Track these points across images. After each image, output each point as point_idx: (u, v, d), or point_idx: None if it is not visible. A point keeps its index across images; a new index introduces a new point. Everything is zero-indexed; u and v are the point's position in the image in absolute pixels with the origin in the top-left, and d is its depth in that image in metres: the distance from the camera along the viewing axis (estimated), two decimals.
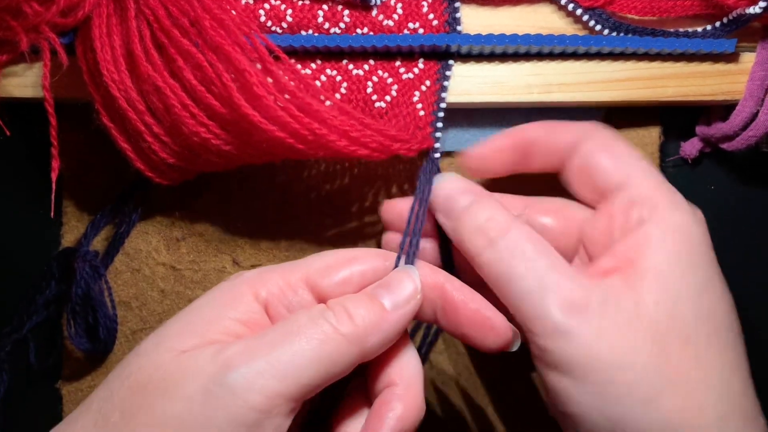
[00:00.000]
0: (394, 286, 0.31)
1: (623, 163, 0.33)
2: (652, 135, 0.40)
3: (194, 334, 0.29)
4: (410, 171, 0.40)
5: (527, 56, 0.38)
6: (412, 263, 0.33)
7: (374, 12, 0.37)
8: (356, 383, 0.32)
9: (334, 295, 0.31)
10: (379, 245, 0.40)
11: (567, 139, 0.34)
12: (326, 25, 0.37)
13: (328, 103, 0.34)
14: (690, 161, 0.41)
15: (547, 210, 0.35)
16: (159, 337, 0.29)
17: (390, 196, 0.40)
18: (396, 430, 0.29)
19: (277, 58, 0.34)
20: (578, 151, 0.34)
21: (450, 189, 0.34)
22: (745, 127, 0.37)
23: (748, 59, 0.37)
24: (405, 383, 0.30)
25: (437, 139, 0.36)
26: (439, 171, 0.36)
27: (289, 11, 0.37)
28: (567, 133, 0.34)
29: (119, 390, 0.28)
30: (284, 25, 0.37)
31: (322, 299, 0.31)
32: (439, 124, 0.37)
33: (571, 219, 0.34)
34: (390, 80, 0.37)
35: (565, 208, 0.35)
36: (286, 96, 0.33)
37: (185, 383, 0.27)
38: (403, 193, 0.40)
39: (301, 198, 0.40)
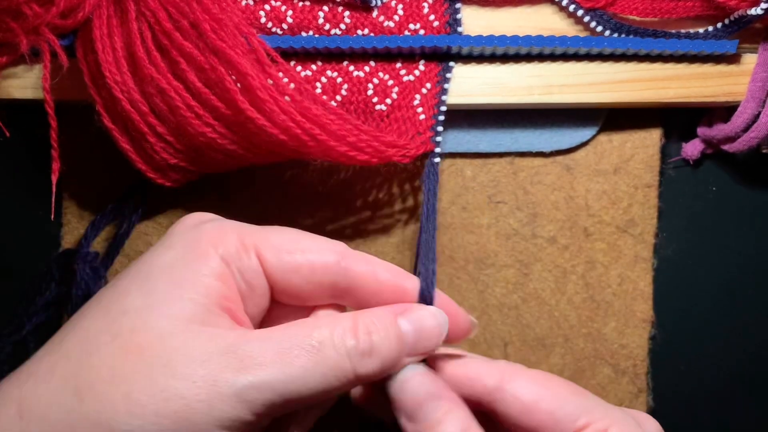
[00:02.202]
0: (425, 338, 0.30)
1: (567, 400, 0.31)
2: (654, 136, 0.40)
3: (182, 297, 0.28)
4: (411, 169, 0.40)
5: (528, 57, 0.38)
6: (431, 287, 0.32)
7: (375, 13, 0.37)
8: None
9: (278, 276, 0.30)
10: (380, 242, 0.40)
11: (489, 383, 0.31)
12: (327, 27, 0.37)
13: (324, 106, 0.34)
14: (691, 162, 0.40)
15: (530, 378, 0.32)
16: (145, 297, 0.28)
17: (391, 194, 0.40)
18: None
19: (274, 61, 0.34)
20: (507, 393, 0.31)
21: (416, 390, 0.30)
22: (746, 129, 0.37)
23: (750, 60, 0.37)
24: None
25: (437, 144, 0.36)
26: (437, 176, 0.36)
27: (290, 12, 0.37)
28: (488, 376, 0.31)
29: (106, 346, 0.27)
30: (285, 26, 0.37)
31: (267, 275, 0.30)
32: (440, 128, 0.37)
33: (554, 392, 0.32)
34: (391, 82, 0.37)
35: (548, 380, 0.32)
36: (287, 98, 0.33)
37: (192, 366, 0.27)
38: (402, 191, 0.40)
39: (302, 196, 0.40)
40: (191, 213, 0.32)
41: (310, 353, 0.27)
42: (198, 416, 0.26)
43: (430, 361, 0.32)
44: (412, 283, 0.32)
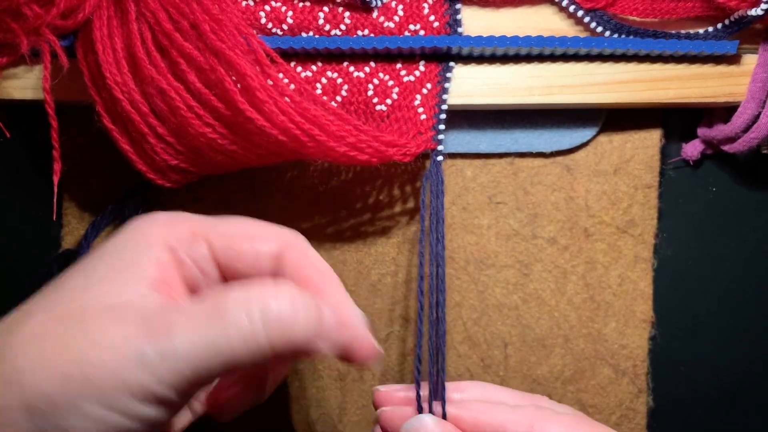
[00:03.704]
0: (345, 327, 0.29)
1: None
2: (654, 137, 0.40)
3: (114, 279, 0.28)
4: (411, 170, 0.40)
5: (528, 58, 0.38)
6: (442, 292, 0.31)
7: (375, 14, 0.37)
8: None
9: (225, 262, 0.30)
10: (380, 242, 0.40)
11: (516, 431, 0.31)
12: (327, 27, 0.37)
13: (324, 107, 0.34)
14: (691, 163, 0.41)
15: (561, 424, 0.31)
16: (83, 278, 0.29)
17: (391, 195, 0.40)
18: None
19: (273, 61, 0.34)
20: None
21: None
22: (746, 129, 0.37)
23: (750, 61, 0.37)
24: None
25: (440, 142, 0.36)
26: (441, 176, 0.36)
27: (290, 13, 0.37)
28: (516, 424, 0.31)
29: (35, 316, 0.27)
30: (285, 27, 0.37)
31: (215, 259, 0.30)
32: (441, 127, 0.37)
33: None
34: (391, 83, 0.37)
35: (579, 425, 0.31)
36: (287, 99, 0.33)
37: (104, 331, 0.26)
38: (403, 193, 0.40)
39: (303, 197, 0.40)
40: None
41: (218, 318, 0.26)
42: (104, 380, 0.25)
43: (453, 407, 0.31)
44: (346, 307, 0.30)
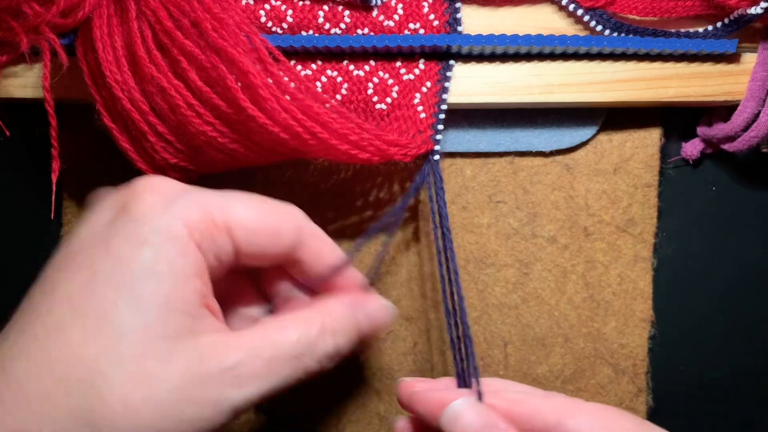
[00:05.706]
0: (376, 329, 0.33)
1: None
2: (653, 136, 0.40)
3: (173, 310, 0.28)
4: (412, 167, 0.40)
5: (528, 57, 0.38)
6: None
7: (375, 12, 0.37)
8: None
9: (245, 252, 0.31)
10: (381, 240, 0.40)
11: (549, 419, 0.31)
12: (327, 26, 0.37)
13: (326, 105, 0.34)
14: (691, 162, 0.41)
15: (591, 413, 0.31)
16: (137, 315, 0.27)
17: (391, 193, 0.40)
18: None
19: (276, 59, 0.34)
20: (569, 430, 0.30)
21: (470, 422, 0.30)
22: (746, 128, 0.37)
23: (750, 60, 0.37)
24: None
25: (437, 142, 0.37)
26: (439, 174, 0.36)
27: (290, 12, 0.37)
28: (548, 413, 0.31)
29: (112, 373, 0.27)
30: (285, 25, 0.37)
31: (236, 251, 0.31)
32: (440, 126, 0.37)
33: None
34: (391, 81, 0.37)
35: (609, 414, 0.31)
36: (287, 97, 0.33)
37: (195, 388, 0.28)
38: (403, 190, 0.40)
39: (303, 195, 0.40)
40: (138, 179, 0.31)
41: (293, 364, 0.30)
42: (199, 425, 0.28)
43: (486, 397, 0.32)
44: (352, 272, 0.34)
